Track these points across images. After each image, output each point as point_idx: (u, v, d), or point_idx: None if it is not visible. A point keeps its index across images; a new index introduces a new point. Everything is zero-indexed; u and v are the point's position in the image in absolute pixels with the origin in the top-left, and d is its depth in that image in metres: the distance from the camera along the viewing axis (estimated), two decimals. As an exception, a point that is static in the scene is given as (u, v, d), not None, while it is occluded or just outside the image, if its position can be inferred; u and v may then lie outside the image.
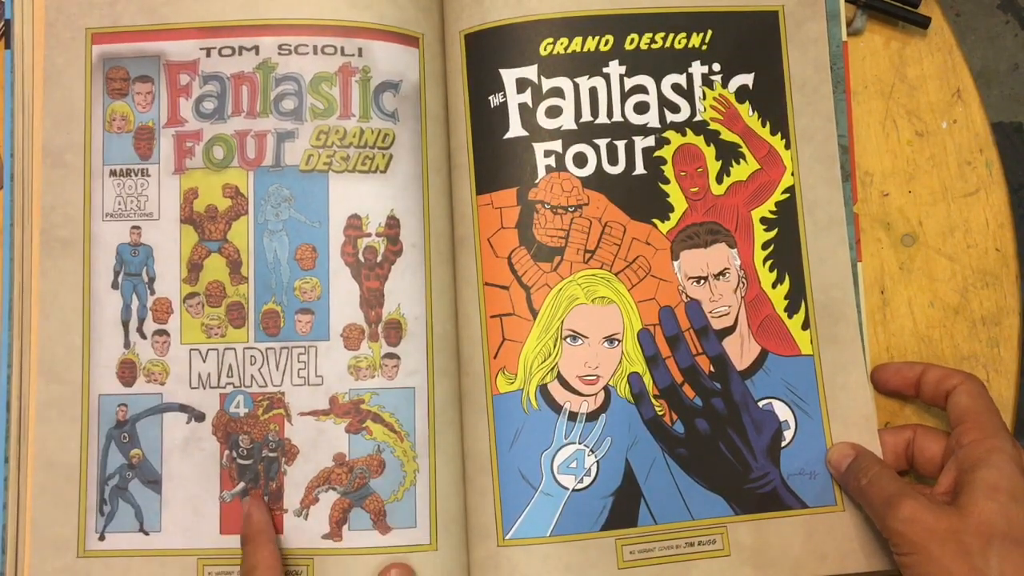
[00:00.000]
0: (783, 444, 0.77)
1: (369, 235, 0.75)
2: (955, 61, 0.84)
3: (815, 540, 0.76)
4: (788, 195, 0.79)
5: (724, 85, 0.80)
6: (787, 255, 0.79)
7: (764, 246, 0.79)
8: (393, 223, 0.76)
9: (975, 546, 0.65)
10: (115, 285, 0.76)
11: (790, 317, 0.78)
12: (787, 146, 0.80)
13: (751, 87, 0.80)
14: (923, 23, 0.83)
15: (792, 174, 0.79)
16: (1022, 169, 1.65)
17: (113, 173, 0.76)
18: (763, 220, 0.79)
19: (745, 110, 0.80)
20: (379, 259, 0.75)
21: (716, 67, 0.80)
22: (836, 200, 0.79)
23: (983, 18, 1.73)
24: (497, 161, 0.78)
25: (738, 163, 0.79)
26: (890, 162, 0.82)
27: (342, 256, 0.75)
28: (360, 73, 0.76)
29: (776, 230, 0.79)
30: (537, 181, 0.78)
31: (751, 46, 0.80)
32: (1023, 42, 1.72)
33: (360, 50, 0.76)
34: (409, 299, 0.76)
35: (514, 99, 0.78)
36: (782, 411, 0.77)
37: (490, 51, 0.79)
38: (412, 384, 0.75)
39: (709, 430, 0.77)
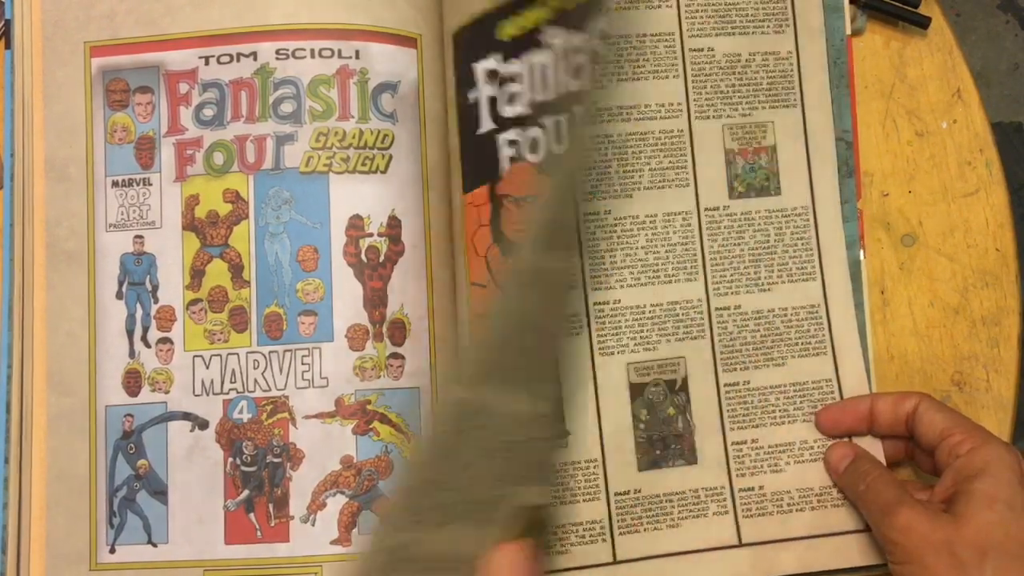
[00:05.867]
0: None
1: (371, 235, 0.76)
2: (955, 61, 0.84)
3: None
4: None
5: None
6: None
7: None
8: (394, 223, 0.76)
9: (970, 559, 0.63)
10: (119, 295, 0.76)
11: None
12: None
13: None
14: (923, 23, 0.83)
15: None
16: (1022, 169, 1.65)
17: (115, 184, 0.77)
18: None
19: None
20: (381, 259, 0.75)
21: None
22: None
23: (983, 18, 1.74)
24: (474, 158, 0.76)
25: None
26: (890, 162, 0.82)
27: (344, 256, 0.75)
28: (358, 75, 0.77)
29: None
30: (502, 174, 0.75)
31: None
32: (1023, 42, 1.72)
33: (357, 52, 0.77)
34: (411, 299, 0.76)
35: (484, 92, 0.76)
36: None
37: (468, 47, 0.77)
38: (416, 384, 0.75)
39: None
